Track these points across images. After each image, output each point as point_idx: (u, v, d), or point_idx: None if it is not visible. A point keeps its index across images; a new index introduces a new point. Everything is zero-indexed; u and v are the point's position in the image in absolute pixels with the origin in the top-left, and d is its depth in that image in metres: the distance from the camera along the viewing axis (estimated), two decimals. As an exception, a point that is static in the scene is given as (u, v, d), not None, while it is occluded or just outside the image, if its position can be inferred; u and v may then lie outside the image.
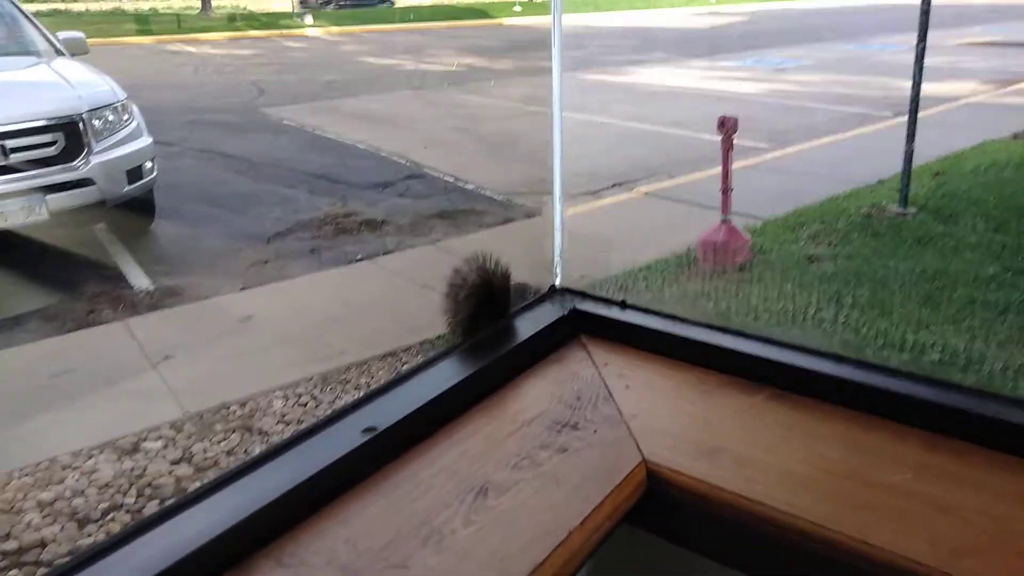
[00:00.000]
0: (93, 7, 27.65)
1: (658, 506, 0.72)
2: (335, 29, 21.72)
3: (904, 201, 5.01)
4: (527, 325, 0.92)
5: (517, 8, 26.22)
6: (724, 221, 4.34)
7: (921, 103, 4.95)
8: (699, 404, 0.81)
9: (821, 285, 3.93)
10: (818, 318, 3.42)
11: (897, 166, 5.11)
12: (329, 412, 0.72)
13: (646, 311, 0.92)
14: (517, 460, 0.72)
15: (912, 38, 4.90)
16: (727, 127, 4.35)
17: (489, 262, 0.90)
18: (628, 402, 0.81)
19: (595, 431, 0.76)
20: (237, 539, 0.59)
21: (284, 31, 21.20)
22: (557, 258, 0.99)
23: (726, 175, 4.38)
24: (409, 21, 23.14)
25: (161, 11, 26.68)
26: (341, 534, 0.62)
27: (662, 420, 0.79)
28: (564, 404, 0.81)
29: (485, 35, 20.47)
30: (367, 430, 0.70)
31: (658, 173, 6.50)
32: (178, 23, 21.53)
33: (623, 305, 0.94)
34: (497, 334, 0.90)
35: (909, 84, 4.95)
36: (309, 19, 22.32)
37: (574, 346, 0.93)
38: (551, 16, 1.06)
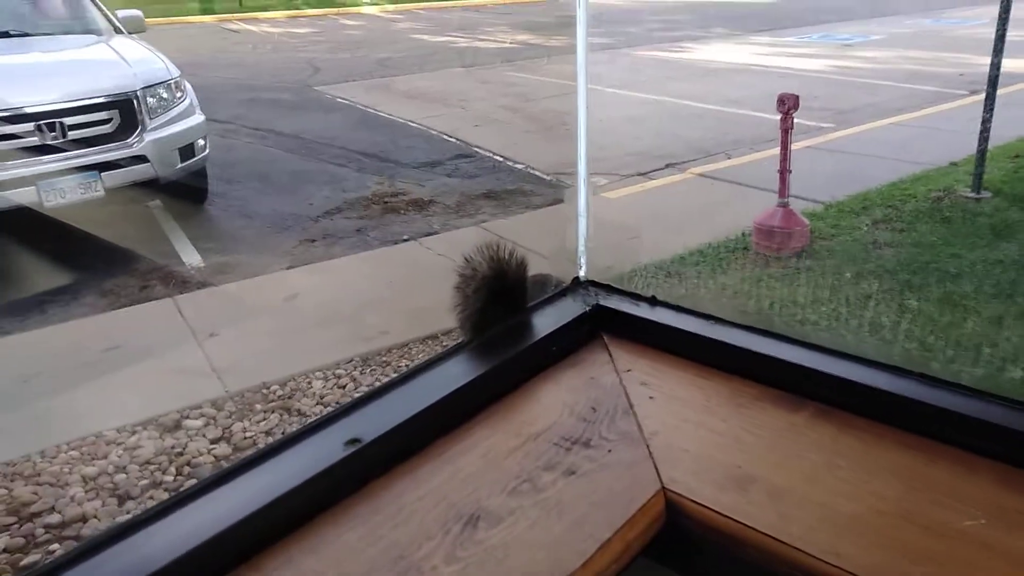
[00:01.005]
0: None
1: (677, 543, 0.63)
2: (391, 7, 21.75)
3: (978, 185, 4.70)
4: (544, 322, 0.83)
5: (573, -17, 25.66)
6: (781, 204, 4.14)
7: (1000, 80, 4.61)
8: (731, 421, 0.71)
9: (884, 276, 3.71)
10: (876, 319, 3.20)
11: (971, 148, 4.79)
12: (311, 420, 0.64)
13: (678, 309, 0.81)
14: (516, 483, 0.63)
15: (992, 11, 4.56)
16: (787, 105, 4.13)
17: (503, 251, 0.81)
18: (650, 416, 0.72)
19: (609, 450, 0.67)
20: (191, 567, 0.53)
21: (341, 9, 21.34)
22: (581, 247, 0.89)
23: (785, 156, 4.17)
24: (464, -2, 22.97)
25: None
26: (308, 564, 0.55)
27: (688, 439, 0.69)
28: (577, 416, 0.72)
29: (540, 11, 20.19)
30: (350, 442, 0.63)
31: (713, 153, 6.28)
32: (239, 2, 21.87)
33: (653, 301, 0.84)
34: (509, 332, 0.81)
35: (987, 60, 4.61)
36: (366, -3, 22.37)
37: (595, 347, 0.83)
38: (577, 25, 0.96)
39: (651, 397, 0.74)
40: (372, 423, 0.65)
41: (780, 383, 0.74)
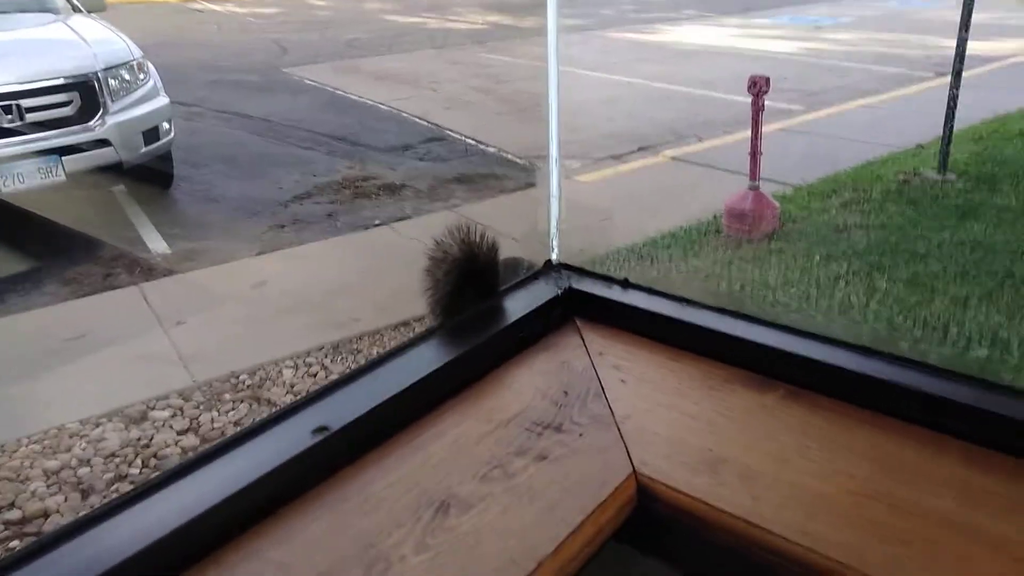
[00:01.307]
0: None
1: (649, 526, 0.62)
2: (359, -13, 21.34)
3: (944, 167, 4.78)
4: (516, 306, 0.82)
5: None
6: (752, 187, 4.17)
7: (966, 62, 4.67)
8: (703, 403, 0.71)
9: (852, 258, 3.75)
10: (845, 300, 3.25)
11: (937, 130, 4.86)
12: (275, 410, 0.62)
13: (650, 291, 0.81)
14: (487, 470, 0.62)
15: (958, -7, 4.61)
16: (758, 87, 4.14)
17: (475, 234, 0.80)
18: (622, 399, 0.71)
19: (581, 434, 0.67)
20: (150, 562, 0.51)
21: (308, -11, 20.89)
22: (553, 230, 0.88)
23: (756, 138, 4.18)
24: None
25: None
26: (274, 556, 0.54)
27: (659, 422, 0.69)
28: (549, 400, 0.71)
29: (511, -8, 19.97)
30: (318, 430, 0.61)
31: (686, 136, 6.30)
32: (203, -18, 21.32)
33: (625, 284, 0.83)
34: (480, 316, 0.80)
35: (952, 43, 4.67)
36: (333, -23, 21.94)
37: (567, 331, 0.82)
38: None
39: (623, 380, 0.73)
40: (340, 411, 0.63)
41: (750, 365, 0.74)
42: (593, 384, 0.73)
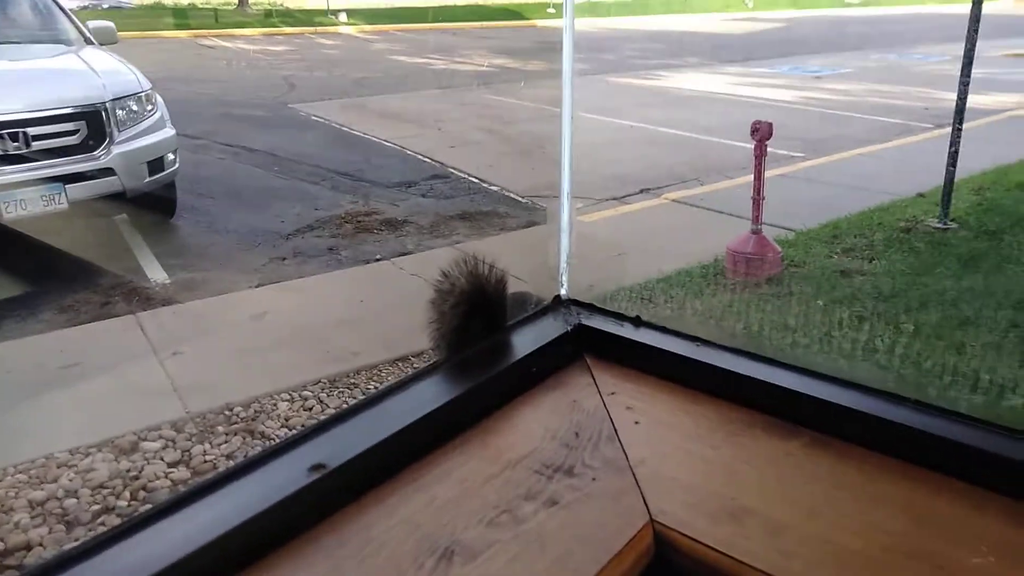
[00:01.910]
0: (136, 1, 28.22)
1: (668, 580, 0.58)
2: (368, 27, 21.83)
3: (945, 216, 4.79)
4: (524, 341, 0.79)
5: (551, 10, 26.13)
6: (754, 231, 4.16)
7: (964, 115, 4.73)
8: (723, 449, 0.67)
9: (854, 304, 3.73)
10: (846, 346, 3.21)
11: (937, 179, 4.89)
12: (272, 444, 0.58)
13: (664, 330, 0.78)
14: (495, 514, 0.58)
15: (954, 49, 4.69)
16: (761, 132, 4.17)
17: (482, 266, 0.77)
18: (636, 443, 0.67)
19: (594, 479, 0.63)
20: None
21: (318, 28, 21.37)
22: (563, 264, 0.85)
23: (758, 183, 4.20)
24: (440, 21, 23.18)
25: (200, 6, 27.09)
26: (263, 604, 0.50)
27: (677, 468, 0.65)
28: (559, 441, 0.67)
29: (517, 36, 20.42)
30: (315, 467, 0.57)
31: (687, 180, 6.34)
32: (215, 18, 21.80)
33: (637, 322, 0.80)
34: (487, 351, 0.77)
35: (951, 96, 4.73)
36: (343, 16, 22.46)
37: (577, 369, 0.79)
38: (563, 14, 0.94)
39: (636, 422, 0.70)
40: (339, 447, 0.59)
41: (772, 409, 0.70)
42: (605, 425, 0.69)
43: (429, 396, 0.68)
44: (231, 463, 2.56)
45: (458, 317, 0.76)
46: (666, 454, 0.66)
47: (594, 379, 0.77)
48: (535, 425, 0.70)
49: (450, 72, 13.70)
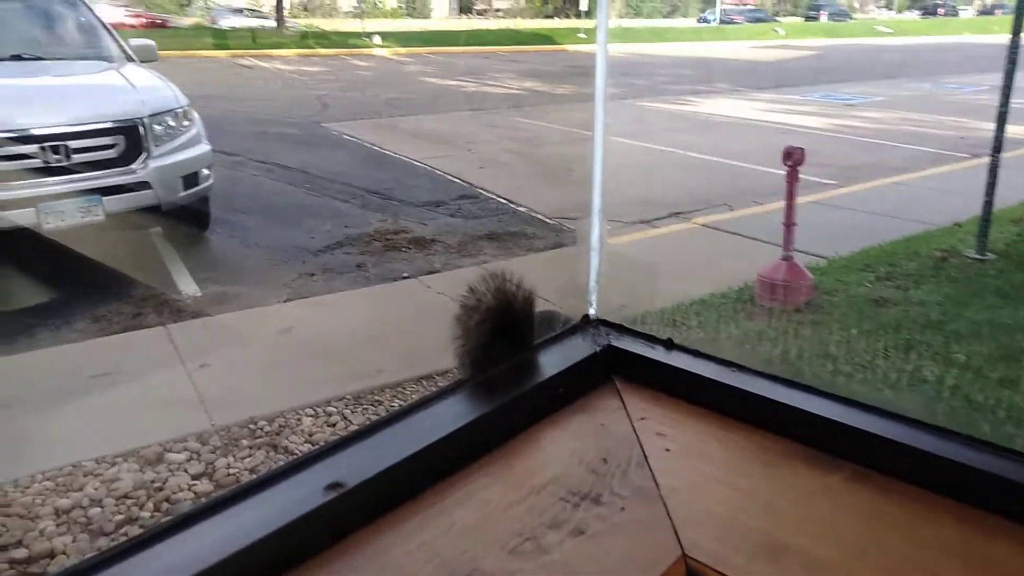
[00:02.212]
0: (177, 22, 29.09)
1: (700, 620, 0.55)
2: (401, 50, 22.18)
3: (983, 246, 4.67)
4: (551, 361, 0.77)
5: (582, 35, 26.35)
6: (786, 257, 4.10)
7: (1003, 145, 4.63)
8: (758, 480, 0.64)
9: (889, 333, 3.64)
10: (881, 376, 3.12)
11: (974, 209, 4.78)
12: (288, 460, 0.56)
13: (697, 354, 0.75)
14: (518, 542, 0.56)
15: (991, 79, 4.61)
16: (793, 158, 4.12)
17: (510, 282, 0.75)
18: (668, 471, 0.64)
19: (623, 508, 0.60)
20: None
21: (353, 50, 21.76)
22: (592, 283, 0.83)
23: (790, 209, 4.14)
24: (472, 44, 23.47)
25: (239, 27, 27.79)
26: (274, 630, 0.48)
27: (710, 499, 0.62)
28: (586, 467, 0.65)
29: (548, 60, 20.59)
30: (332, 486, 0.55)
31: (716, 204, 6.29)
32: (253, 39, 22.33)
33: (669, 344, 0.78)
34: (512, 370, 0.74)
35: (987, 125, 4.64)
36: (377, 39, 22.85)
37: (606, 391, 0.76)
38: (597, 36, 0.93)
39: (668, 449, 0.66)
40: (357, 466, 0.57)
41: (810, 440, 0.67)
42: (635, 452, 0.66)
43: (452, 415, 0.66)
44: (244, 481, 2.55)
45: (484, 334, 0.74)
46: (699, 484, 0.63)
47: (623, 402, 0.74)
48: (562, 449, 0.67)
49: (481, 94, 13.83)
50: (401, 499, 0.58)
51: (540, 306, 0.86)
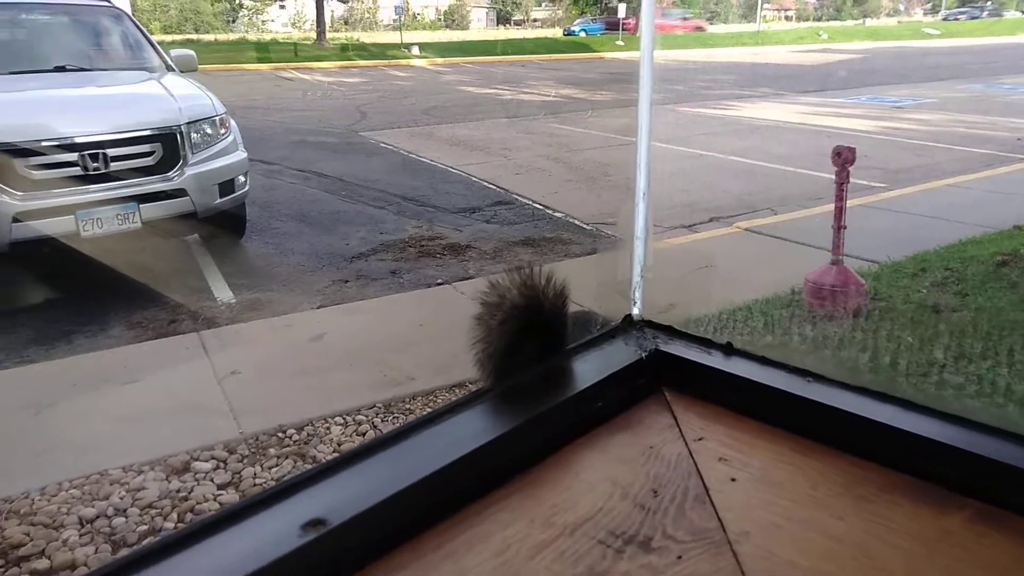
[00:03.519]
0: (221, 37, 29.88)
1: None
2: (439, 60, 22.33)
3: (1050, 249, 4.39)
4: (587, 369, 0.64)
5: (620, 43, 26.21)
6: (835, 261, 3.90)
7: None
8: (852, 521, 0.50)
9: (949, 342, 3.43)
10: (942, 387, 2.91)
11: (1033, 213, 4.51)
12: (259, 491, 0.44)
13: (763, 361, 0.62)
14: (544, 600, 0.44)
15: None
16: (843, 157, 3.92)
17: (539, 276, 0.63)
18: (735, 507, 0.51)
19: (679, 556, 0.47)
20: None
21: (391, 61, 21.98)
22: (637, 278, 0.70)
23: (840, 211, 3.93)
24: (509, 54, 23.53)
25: (280, 41, 28.37)
26: None
27: (792, 546, 0.48)
28: (632, 501, 0.52)
29: (585, 68, 20.52)
30: (310, 525, 0.44)
31: (759, 208, 6.11)
32: (295, 52, 22.72)
33: (728, 349, 0.65)
34: (541, 380, 0.62)
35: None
36: (416, 50, 23.04)
37: (654, 405, 0.64)
38: (641, 41, 0.82)
39: (734, 479, 0.54)
40: (343, 499, 0.46)
41: (916, 469, 0.53)
42: (693, 482, 0.54)
43: (465, 434, 0.54)
44: (206, 516, 2.46)
45: (507, 336, 0.62)
46: (776, 525, 0.50)
47: (676, 419, 0.61)
48: (600, 478, 0.54)
49: (517, 102, 13.80)
50: (397, 541, 0.46)
51: (574, 309, 0.74)
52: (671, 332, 0.68)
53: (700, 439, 0.58)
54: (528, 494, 0.52)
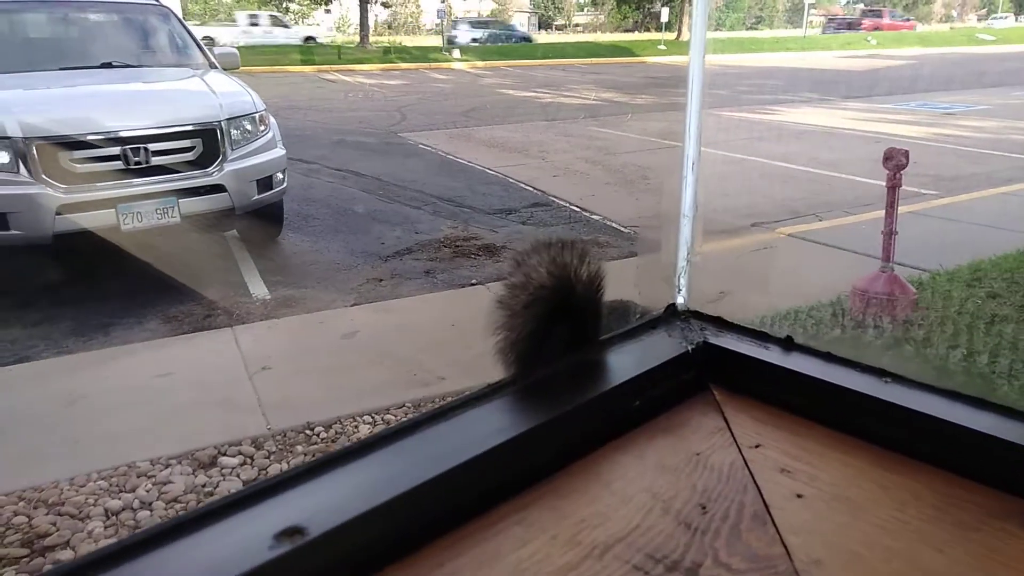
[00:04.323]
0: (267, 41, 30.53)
1: None
2: (480, 63, 22.41)
3: (1118, 260, 4.15)
4: (624, 362, 0.56)
5: (662, 47, 25.98)
6: (885, 269, 3.73)
7: None
8: (952, 552, 0.41)
9: (1008, 356, 3.24)
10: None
11: (1102, 221, 4.27)
12: (230, 494, 0.37)
13: (829, 357, 0.53)
14: (565, 638, 0.35)
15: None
16: (895, 162, 3.75)
17: (571, 254, 0.54)
18: (803, 529, 0.42)
19: (735, 589, 0.38)
20: None
21: (433, 64, 22.13)
22: (683, 262, 0.61)
23: (891, 216, 3.77)
24: (550, 58, 23.50)
25: (324, 43, 28.82)
26: None
27: (876, 580, 0.39)
28: (675, 518, 0.43)
29: (626, 72, 20.37)
30: (285, 534, 0.36)
31: (803, 214, 5.94)
32: (338, 55, 23.02)
33: (788, 344, 0.56)
34: (570, 373, 0.54)
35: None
36: (456, 53, 23.16)
37: (700, 405, 0.55)
38: (692, 45, 0.74)
39: (800, 495, 0.44)
40: (328, 505, 0.37)
41: (1027, 489, 0.43)
42: (750, 497, 0.44)
43: (478, 433, 0.45)
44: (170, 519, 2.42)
45: (533, 321, 0.53)
46: (855, 554, 0.40)
47: (727, 422, 0.52)
48: (636, 488, 0.45)
49: (556, 105, 13.73)
50: (389, 556, 0.38)
51: (610, 298, 0.66)
52: (721, 324, 0.59)
53: (757, 446, 0.49)
54: (549, 506, 0.43)
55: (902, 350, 3.31)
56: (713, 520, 0.43)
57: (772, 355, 0.55)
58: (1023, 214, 5.86)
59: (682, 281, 0.62)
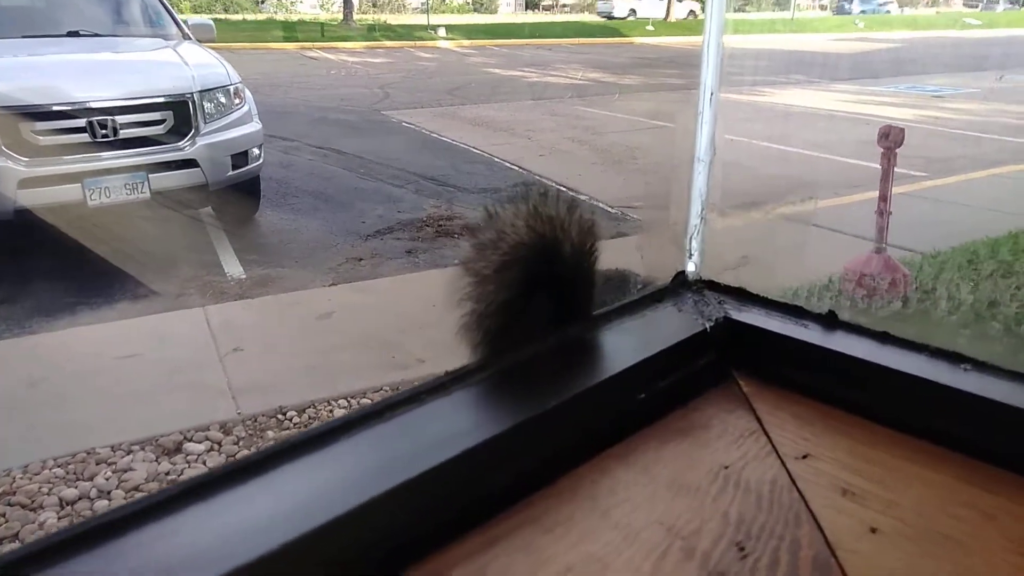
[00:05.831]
0: (250, 17, 29.98)
1: None
2: (466, 42, 22.09)
3: (1112, 243, 4.09)
4: (624, 343, 0.43)
5: (650, 27, 25.75)
6: (878, 250, 3.64)
7: None
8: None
9: (1005, 338, 3.18)
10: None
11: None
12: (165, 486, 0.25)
13: (885, 338, 0.40)
14: None
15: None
16: (890, 139, 3.65)
17: (555, 205, 0.41)
18: (870, 557, 0.30)
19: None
20: None
21: (418, 42, 21.77)
22: (696, 220, 0.48)
23: (885, 196, 3.67)
24: (537, 37, 23.22)
25: (308, 21, 28.32)
26: None
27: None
28: (703, 566, 0.30)
29: (614, 52, 20.18)
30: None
31: (794, 195, 5.88)
32: (321, 32, 22.59)
33: (831, 320, 0.43)
34: (555, 358, 0.41)
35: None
36: (442, 31, 22.80)
37: (724, 400, 0.41)
38: (705, 26, 0.62)
39: (874, 530, 0.31)
40: (234, 533, 0.25)
41: None
42: (805, 532, 0.31)
43: (435, 436, 0.32)
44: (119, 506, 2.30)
45: (506, 289, 0.40)
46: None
47: (760, 423, 0.39)
48: (645, 518, 0.31)
49: (543, 84, 13.54)
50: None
51: (605, 267, 0.53)
52: (744, 296, 0.46)
53: (805, 456, 0.36)
54: (522, 546, 0.30)
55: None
56: (757, 570, 0.30)
57: (812, 335, 0.42)
58: (1013, 196, 5.84)
59: (694, 244, 0.49)
